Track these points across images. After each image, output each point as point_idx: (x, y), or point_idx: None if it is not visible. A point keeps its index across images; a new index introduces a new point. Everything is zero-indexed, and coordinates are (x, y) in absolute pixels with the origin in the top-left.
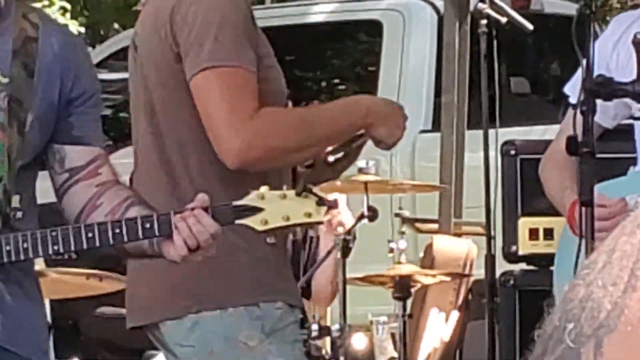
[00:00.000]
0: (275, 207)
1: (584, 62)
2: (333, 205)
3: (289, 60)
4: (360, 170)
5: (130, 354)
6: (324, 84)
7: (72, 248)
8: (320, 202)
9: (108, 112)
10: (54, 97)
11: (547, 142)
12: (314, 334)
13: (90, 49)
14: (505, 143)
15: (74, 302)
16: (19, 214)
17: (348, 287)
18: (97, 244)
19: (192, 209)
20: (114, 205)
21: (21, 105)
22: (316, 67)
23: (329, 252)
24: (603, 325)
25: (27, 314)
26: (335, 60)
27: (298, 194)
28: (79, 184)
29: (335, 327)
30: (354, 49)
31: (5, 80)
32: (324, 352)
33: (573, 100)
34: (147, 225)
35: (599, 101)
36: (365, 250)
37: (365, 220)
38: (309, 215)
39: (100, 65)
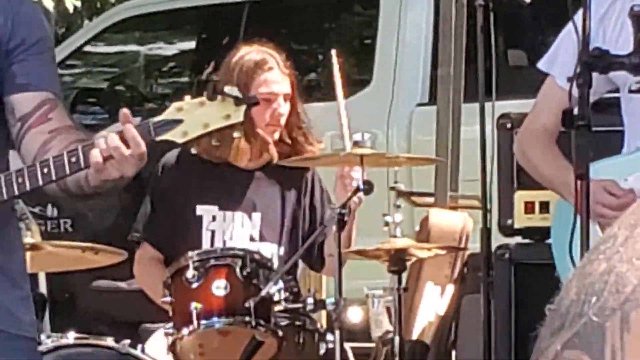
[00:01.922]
0: (193, 117)
1: (578, 35)
2: (252, 101)
3: (285, 33)
4: (356, 144)
5: (126, 327)
6: (320, 57)
7: (5, 197)
8: (238, 101)
9: (104, 85)
10: None
11: None
12: (309, 307)
13: (87, 21)
14: (501, 117)
15: (69, 275)
16: None
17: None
18: (27, 187)
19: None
20: (61, 148)
21: None
22: (312, 40)
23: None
24: (629, 299)
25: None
26: (332, 33)
27: (211, 99)
28: (31, 132)
29: (330, 300)
30: (350, 22)
31: None
32: (319, 325)
33: (558, 76)
34: (73, 160)
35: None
36: (361, 223)
37: (360, 194)
38: (228, 117)
39: (97, 38)
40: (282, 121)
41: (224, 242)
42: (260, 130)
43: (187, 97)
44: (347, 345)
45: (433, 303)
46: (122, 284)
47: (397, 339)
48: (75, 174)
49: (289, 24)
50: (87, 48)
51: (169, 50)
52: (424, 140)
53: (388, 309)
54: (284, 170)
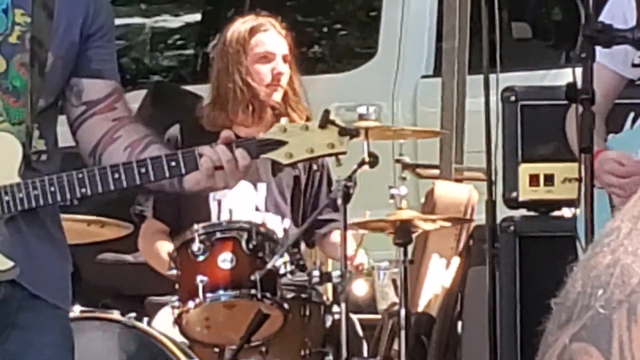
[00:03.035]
0: (298, 140)
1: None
2: (355, 134)
3: (290, 5)
4: (361, 117)
5: (131, 300)
6: (325, 29)
7: (100, 190)
8: (343, 132)
9: None
10: (74, 36)
11: (547, 88)
12: (315, 280)
13: None
14: (506, 89)
15: (75, 248)
16: (44, 157)
17: (349, 232)
18: (124, 184)
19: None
20: (133, 140)
21: (42, 45)
22: (317, 12)
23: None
24: (636, 291)
25: (52, 260)
26: (337, 5)
27: (321, 126)
28: (95, 117)
29: (336, 273)
30: None
31: (28, 20)
32: (325, 298)
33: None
34: (173, 164)
35: (619, 52)
36: (366, 196)
37: (366, 166)
38: (332, 146)
39: None
40: (283, 82)
41: (230, 211)
42: (261, 90)
43: (285, 120)
44: (354, 317)
45: (439, 275)
46: (128, 257)
47: (403, 311)
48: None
49: None
50: None
51: (174, 22)
52: (429, 112)
53: (394, 281)
54: None
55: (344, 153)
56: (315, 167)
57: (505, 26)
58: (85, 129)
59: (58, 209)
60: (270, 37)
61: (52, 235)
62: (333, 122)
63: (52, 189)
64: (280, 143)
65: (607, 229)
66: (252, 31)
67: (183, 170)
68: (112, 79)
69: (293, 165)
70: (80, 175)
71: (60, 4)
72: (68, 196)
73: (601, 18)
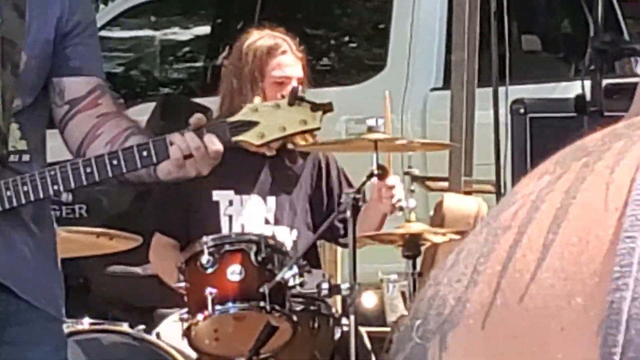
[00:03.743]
0: (270, 119)
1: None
2: (327, 108)
3: (298, 18)
4: (370, 129)
5: (141, 312)
6: (334, 42)
7: (73, 186)
8: (315, 107)
9: (119, 70)
10: (49, 34)
11: (557, 101)
12: (324, 292)
13: (102, 6)
14: (515, 102)
15: (84, 260)
16: (26, 157)
17: (358, 245)
18: (97, 178)
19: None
20: (113, 136)
21: (14, 46)
22: (326, 25)
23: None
24: (447, 320)
25: (38, 263)
26: (346, 17)
27: (290, 104)
28: (79, 115)
29: (345, 285)
30: (364, 7)
31: None
32: (334, 310)
33: None
34: (144, 154)
35: None
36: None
37: (375, 179)
38: (305, 122)
39: (112, 23)
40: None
41: (242, 226)
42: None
43: (258, 99)
44: (363, 330)
45: None
46: (137, 269)
47: None
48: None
49: (303, 8)
50: (103, 33)
51: (184, 35)
52: (438, 125)
53: (403, 294)
54: (298, 154)
55: (317, 129)
56: (333, 174)
57: (515, 39)
58: (70, 128)
59: (47, 213)
60: (288, 61)
61: (40, 241)
62: (303, 99)
63: (25, 188)
64: (252, 124)
65: (440, 263)
66: (271, 53)
67: (155, 160)
68: (94, 75)
69: (266, 145)
70: (52, 173)
71: (32, 3)
72: (41, 194)
73: None
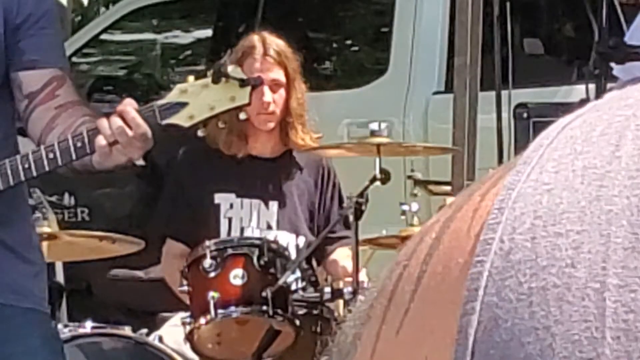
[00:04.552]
0: (199, 99)
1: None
2: (255, 82)
3: (300, 21)
4: (373, 133)
5: (143, 316)
6: (336, 46)
7: (12, 182)
8: (243, 83)
9: (121, 73)
10: None
11: (560, 105)
12: (327, 296)
13: (103, 9)
14: (518, 106)
15: (87, 264)
16: None
17: (360, 249)
18: (34, 173)
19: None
20: (68, 126)
21: None
22: (328, 28)
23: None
24: (347, 355)
25: (3, 264)
26: (348, 21)
27: (215, 81)
28: (38, 109)
29: (347, 289)
30: (366, 10)
31: None
32: (336, 314)
33: None
34: (79, 144)
35: (635, 67)
36: (378, 212)
37: (377, 183)
38: (233, 99)
39: (114, 26)
40: (272, 109)
41: (242, 229)
42: (254, 120)
43: (191, 79)
44: None
45: None
46: (139, 273)
47: None
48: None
49: (305, 12)
50: (104, 36)
51: (186, 38)
52: (440, 129)
53: None
54: (301, 159)
55: (247, 105)
56: (330, 189)
57: (517, 42)
58: (31, 122)
59: (14, 207)
60: (257, 65)
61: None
62: (228, 75)
63: None
64: (182, 105)
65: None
66: (244, 54)
67: (88, 150)
68: (50, 66)
69: (195, 126)
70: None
71: None
72: None
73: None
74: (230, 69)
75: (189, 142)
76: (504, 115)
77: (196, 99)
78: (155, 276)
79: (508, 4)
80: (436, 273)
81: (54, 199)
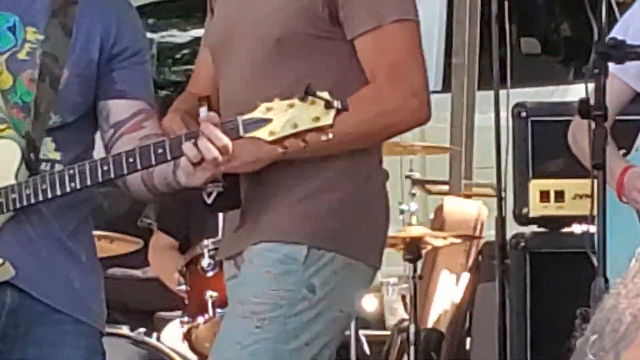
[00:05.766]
0: (282, 117)
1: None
2: (342, 106)
3: None
4: None
5: (141, 315)
6: None
7: (89, 182)
8: (328, 105)
9: None
10: (93, 54)
11: (558, 104)
12: None
13: None
14: (517, 105)
15: None
16: (59, 167)
17: None
18: (112, 175)
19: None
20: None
21: (56, 61)
22: None
23: None
24: (622, 339)
25: (62, 266)
26: None
27: (302, 99)
28: (123, 138)
29: None
30: None
31: (41, 37)
32: None
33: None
34: (160, 151)
35: (633, 65)
36: None
37: None
38: (317, 119)
39: None
40: None
41: None
42: None
43: (277, 99)
44: (361, 334)
45: (448, 291)
46: (137, 272)
47: (412, 326)
48: (164, 171)
49: None
50: None
51: (182, 37)
52: (438, 128)
53: (403, 297)
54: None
55: (330, 126)
56: None
57: (515, 42)
58: (114, 150)
59: (81, 215)
60: None
61: (64, 242)
62: (315, 95)
63: (44, 186)
64: (265, 121)
65: (626, 271)
66: None
67: (168, 156)
68: (139, 99)
69: (277, 142)
70: (71, 171)
71: (79, 25)
72: (58, 192)
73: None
74: (318, 91)
75: None
76: (502, 114)
77: (279, 116)
78: (153, 275)
79: (506, 4)
80: None
81: None
